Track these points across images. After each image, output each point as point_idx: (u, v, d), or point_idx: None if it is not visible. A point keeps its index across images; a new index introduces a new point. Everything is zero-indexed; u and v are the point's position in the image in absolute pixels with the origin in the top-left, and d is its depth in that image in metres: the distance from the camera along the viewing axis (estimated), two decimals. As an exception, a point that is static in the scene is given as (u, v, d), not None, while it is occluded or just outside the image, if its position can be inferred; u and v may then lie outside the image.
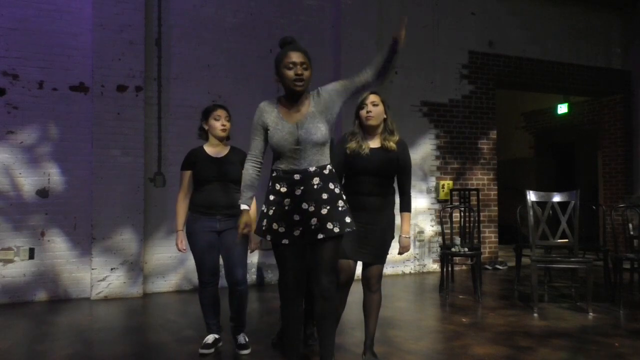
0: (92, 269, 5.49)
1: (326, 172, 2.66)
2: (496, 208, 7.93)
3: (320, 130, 2.62)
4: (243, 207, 2.72)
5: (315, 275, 2.67)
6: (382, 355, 3.34)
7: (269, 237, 2.69)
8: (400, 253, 3.29)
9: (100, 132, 5.55)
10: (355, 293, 3.40)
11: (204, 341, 3.58)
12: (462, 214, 6.33)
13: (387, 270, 6.27)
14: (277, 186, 2.67)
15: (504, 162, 10.36)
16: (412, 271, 7.28)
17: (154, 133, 5.93)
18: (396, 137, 3.20)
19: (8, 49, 5.36)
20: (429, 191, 7.47)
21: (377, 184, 3.14)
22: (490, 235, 7.85)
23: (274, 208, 2.66)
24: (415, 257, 7.30)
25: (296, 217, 2.62)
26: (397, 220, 3.24)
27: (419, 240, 7.35)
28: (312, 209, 2.60)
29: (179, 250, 3.60)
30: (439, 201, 7.47)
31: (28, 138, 5.42)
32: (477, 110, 7.85)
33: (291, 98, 2.67)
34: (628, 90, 9.06)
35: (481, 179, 7.84)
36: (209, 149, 3.58)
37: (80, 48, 5.62)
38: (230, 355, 3.55)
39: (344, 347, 3.60)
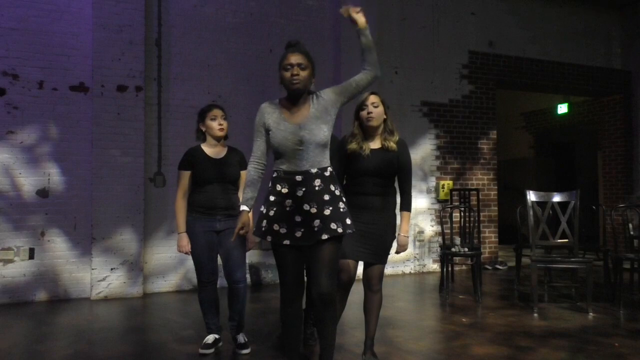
0: (92, 269, 5.49)
1: (327, 174, 2.66)
2: (496, 208, 7.93)
3: (323, 131, 2.62)
4: (243, 207, 2.72)
5: (314, 278, 2.63)
6: (382, 355, 3.34)
7: (269, 238, 2.67)
8: (397, 252, 3.29)
9: (100, 132, 5.55)
10: (356, 293, 3.40)
11: (204, 341, 3.59)
12: (462, 214, 6.33)
13: (387, 270, 6.27)
14: (278, 187, 2.66)
15: (504, 162, 10.37)
16: (412, 271, 7.28)
17: (154, 133, 5.93)
18: (396, 137, 3.21)
19: (8, 49, 5.36)
20: (429, 191, 7.47)
21: (378, 184, 3.15)
22: (490, 235, 7.86)
23: (274, 209, 2.65)
24: (415, 257, 7.30)
25: (298, 219, 2.61)
26: (398, 220, 3.25)
27: (419, 240, 7.35)
28: (314, 210, 2.60)
29: (185, 253, 3.50)
30: (439, 201, 7.48)
31: (28, 138, 5.42)
32: (477, 110, 7.86)
33: (292, 99, 2.67)
34: (628, 90, 9.06)
35: (481, 179, 7.84)
36: (208, 150, 3.56)
37: (80, 48, 5.62)
38: (230, 355, 3.55)
39: (344, 347, 3.60)
